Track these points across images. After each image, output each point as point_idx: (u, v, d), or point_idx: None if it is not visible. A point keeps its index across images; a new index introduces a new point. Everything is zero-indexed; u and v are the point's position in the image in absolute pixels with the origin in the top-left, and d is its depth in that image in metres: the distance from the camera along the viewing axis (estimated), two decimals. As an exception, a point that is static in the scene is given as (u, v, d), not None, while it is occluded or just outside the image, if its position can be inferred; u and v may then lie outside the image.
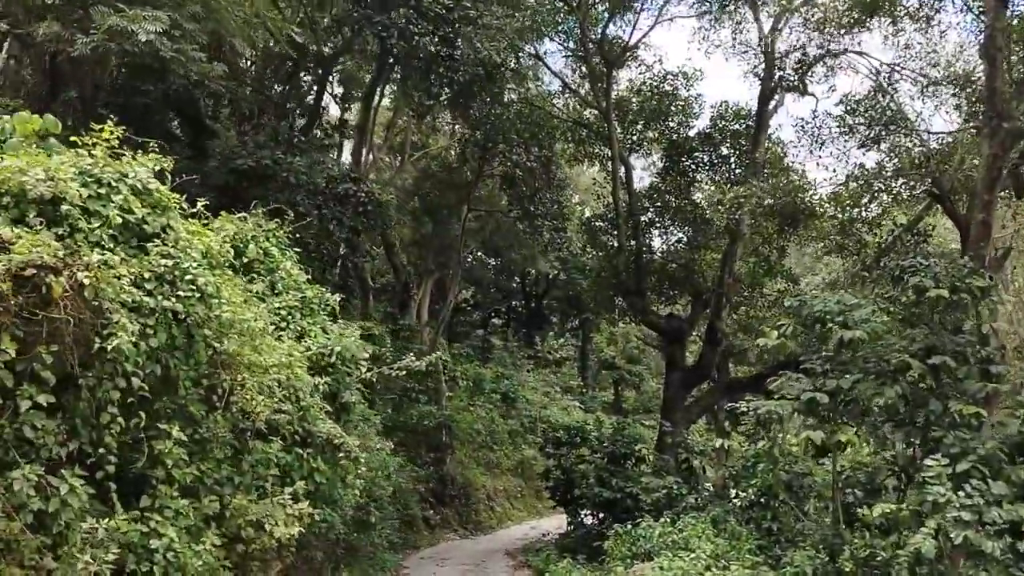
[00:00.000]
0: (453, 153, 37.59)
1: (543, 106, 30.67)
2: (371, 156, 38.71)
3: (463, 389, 37.57)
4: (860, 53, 27.01)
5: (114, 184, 8.45)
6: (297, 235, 18.68)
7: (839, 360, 13.58)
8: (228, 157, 18.33)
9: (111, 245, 8.40)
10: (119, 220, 8.38)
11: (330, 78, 27.93)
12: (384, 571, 21.22)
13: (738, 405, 14.74)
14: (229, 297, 9.03)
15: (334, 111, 37.44)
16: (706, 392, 26.67)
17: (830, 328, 13.19)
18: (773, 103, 26.90)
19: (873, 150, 23.65)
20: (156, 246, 8.55)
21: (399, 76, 31.16)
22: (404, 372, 13.78)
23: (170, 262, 8.45)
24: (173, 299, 8.33)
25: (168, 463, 8.25)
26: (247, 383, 9.19)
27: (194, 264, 8.58)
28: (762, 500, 19.31)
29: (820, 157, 35.34)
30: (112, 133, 8.81)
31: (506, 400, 40.33)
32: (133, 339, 7.84)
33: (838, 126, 24.17)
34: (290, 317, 11.46)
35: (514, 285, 60.61)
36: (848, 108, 23.64)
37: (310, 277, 14.25)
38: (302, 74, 26.10)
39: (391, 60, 29.64)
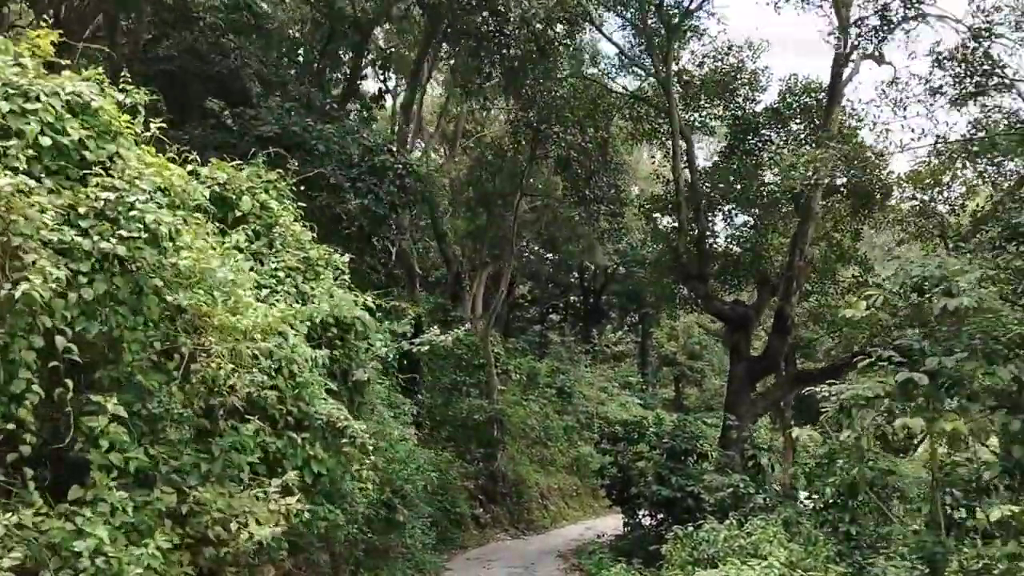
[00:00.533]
0: (506, 140, 35.71)
1: (598, 80, 28.51)
2: (419, 140, 37.12)
3: (516, 383, 35.64)
4: (942, 17, 24.34)
5: (44, 98, 6.72)
6: (327, 208, 17.03)
7: (940, 335, 11.30)
8: (250, 123, 16.70)
9: (40, 173, 6.70)
10: (47, 142, 6.65)
11: (368, 51, 26.19)
12: (422, 573, 19.43)
13: (817, 389, 12.48)
14: (192, 242, 7.24)
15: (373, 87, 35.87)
16: (773, 385, 24.29)
17: (930, 297, 10.91)
18: (848, 71, 24.38)
19: (964, 111, 21.00)
20: (97, 175, 6.82)
21: (448, 54, 29.51)
22: (428, 348, 11.91)
23: (112, 195, 6.70)
24: (114, 240, 6.57)
25: (103, 445, 6.48)
26: (215, 349, 7.40)
27: (143, 199, 6.80)
28: (839, 500, 17.03)
29: (902, 126, 32.22)
30: (48, 38, 7.09)
31: (562, 395, 38.29)
32: (58, 288, 6.12)
33: (924, 85, 21.56)
34: (288, 279, 9.66)
35: (572, 280, 58.53)
36: (936, 61, 21.00)
37: (351, 260, 12.56)
38: (340, 46, 24.35)
39: (439, 37, 28.02)
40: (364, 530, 12.35)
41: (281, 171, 11.12)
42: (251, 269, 9.14)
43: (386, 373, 13.68)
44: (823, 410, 12.61)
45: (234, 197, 9.83)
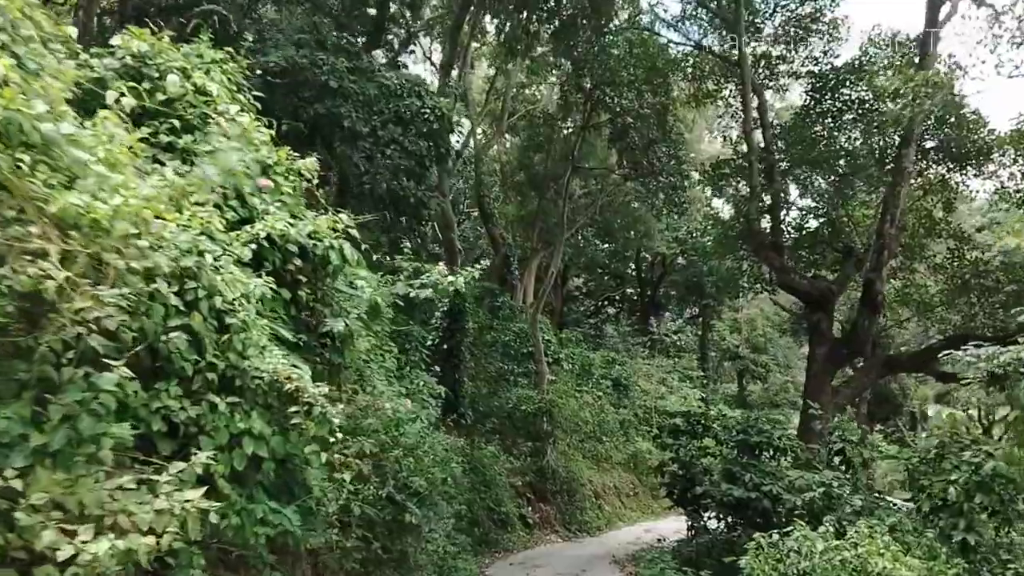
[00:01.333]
0: (557, 111, 32.65)
1: (657, 34, 25.19)
2: (465, 118, 34.26)
3: (568, 373, 32.50)
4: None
5: None
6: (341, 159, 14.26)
7: None
8: (250, 53, 13.94)
9: None
10: None
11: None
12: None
13: (961, 355, 9.19)
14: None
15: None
16: (859, 371, 20.75)
17: None
18: (944, 12, 20.76)
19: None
20: None
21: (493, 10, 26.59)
22: (428, 295, 8.94)
23: None
24: None
25: None
26: (53, 250, 4.52)
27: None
28: (951, 503, 13.66)
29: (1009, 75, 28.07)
30: None
31: (617, 387, 35.00)
32: None
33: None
34: (228, 190, 6.77)
35: (628, 271, 55.14)
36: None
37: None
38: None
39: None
40: (355, 535, 9.46)
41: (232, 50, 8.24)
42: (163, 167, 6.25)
43: (399, 341, 10.74)
44: (964, 379, 9.28)
45: (156, 75, 7.04)
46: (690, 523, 23.06)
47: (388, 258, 17.91)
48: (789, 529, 11.98)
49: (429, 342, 25.65)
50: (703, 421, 23.18)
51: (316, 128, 14.07)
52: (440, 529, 14.03)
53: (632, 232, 43.88)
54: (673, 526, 29.63)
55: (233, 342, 6.03)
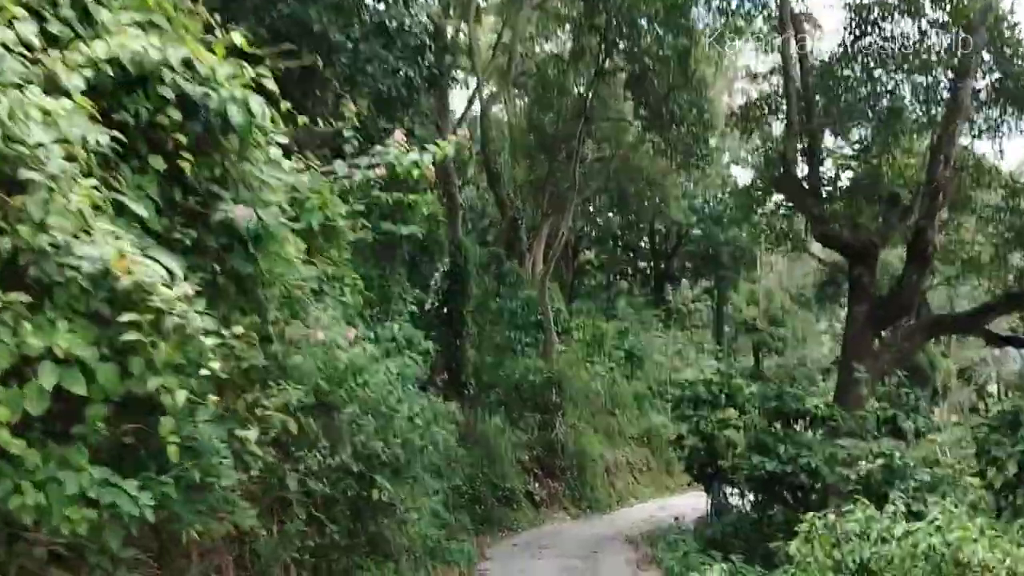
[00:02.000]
0: (568, 59, 30.01)
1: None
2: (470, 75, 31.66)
3: (579, 343, 30.07)
4: None
5: None
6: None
7: None
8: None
9: None
10: None
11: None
12: (447, 565, 14.19)
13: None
14: None
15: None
16: (904, 332, 18.22)
17: None
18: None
19: None
20: None
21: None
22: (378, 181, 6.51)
23: None
24: None
25: None
26: None
27: None
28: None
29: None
30: None
31: (631, 359, 32.55)
32: None
33: None
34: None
35: (641, 244, 52.56)
36: None
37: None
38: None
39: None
40: (299, 516, 7.09)
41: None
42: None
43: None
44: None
45: None
46: (712, 500, 20.73)
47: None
48: (849, 508, 9.55)
49: (427, 306, 23.33)
50: (726, 390, 20.75)
51: (279, 37, 11.57)
52: (426, 508, 11.62)
53: (647, 200, 41.17)
54: (690, 503, 27.24)
55: (28, 208, 3.61)
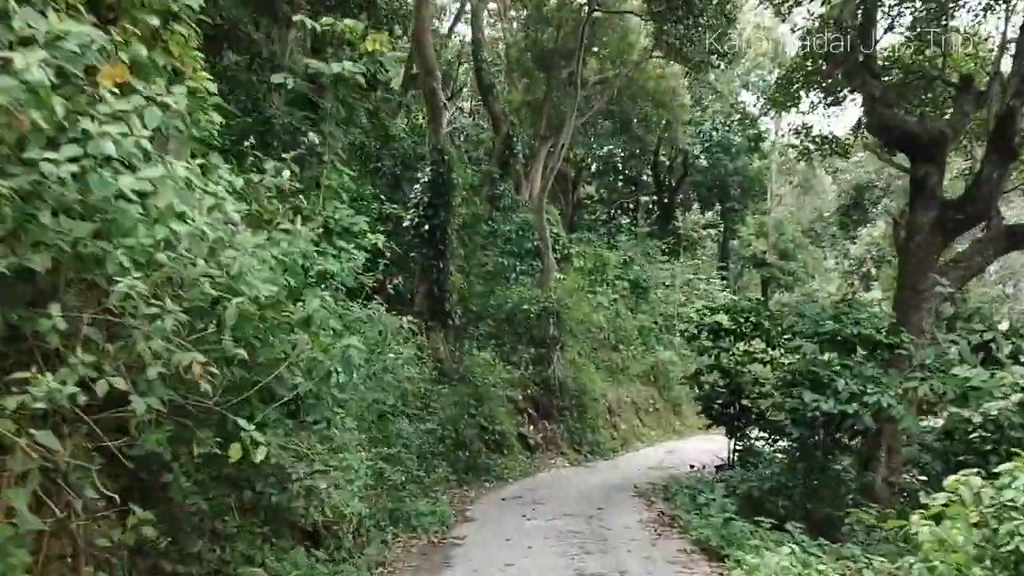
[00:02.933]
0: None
1: None
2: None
3: (579, 272, 26.44)
4: None
5: None
6: None
7: None
8: None
9: None
10: None
11: None
12: (412, 531, 10.72)
13: None
14: None
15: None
16: (975, 245, 14.56)
17: None
18: None
19: None
20: None
21: None
22: None
23: None
24: None
25: None
26: None
27: None
28: None
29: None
30: None
31: (636, 290, 28.97)
32: None
33: None
34: None
35: (644, 176, 48.50)
36: None
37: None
38: None
39: None
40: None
41: None
42: None
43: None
44: None
45: None
46: (738, 447, 17.32)
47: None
48: (1008, 467, 5.97)
49: (406, 222, 19.60)
50: (754, 318, 17.18)
51: None
52: (357, 467, 8.01)
53: (652, 125, 37.09)
54: (703, 448, 23.94)
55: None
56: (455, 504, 14.25)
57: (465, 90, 43.17)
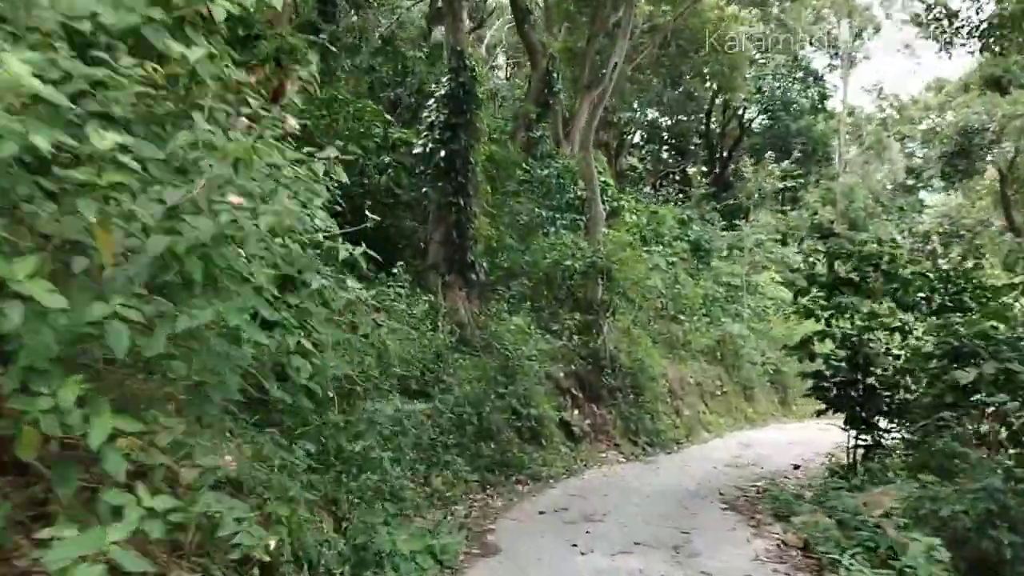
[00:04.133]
0: None
1: None
2: None
3: (631, 228, 21.41)
4: None
5: None
6: None
7: None
8: None
9: None
10: None
11: None
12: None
13: None
14: None
15: None
16: None
17: None
18: None
19: None
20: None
21: None
22: None
23: None
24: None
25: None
26: None
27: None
28: None
29: None
30: None
31: (696, 253, 23.90)
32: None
33: None
34: None
35: (692, 147, 43.16)
36: None
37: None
38: None
39: None
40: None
41: None
42: None
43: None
44: None
45: None
46: (863, 442, 12.27)
47: None
48: None
49: (418, 149, 14.79)
50: (884, 264, 12.17)
51: None
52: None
53: (707, 75, 31.80)
54: (780, 439, 19.03)
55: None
56: (472, 520, 9.45)
57: (499, 48, 38.37)
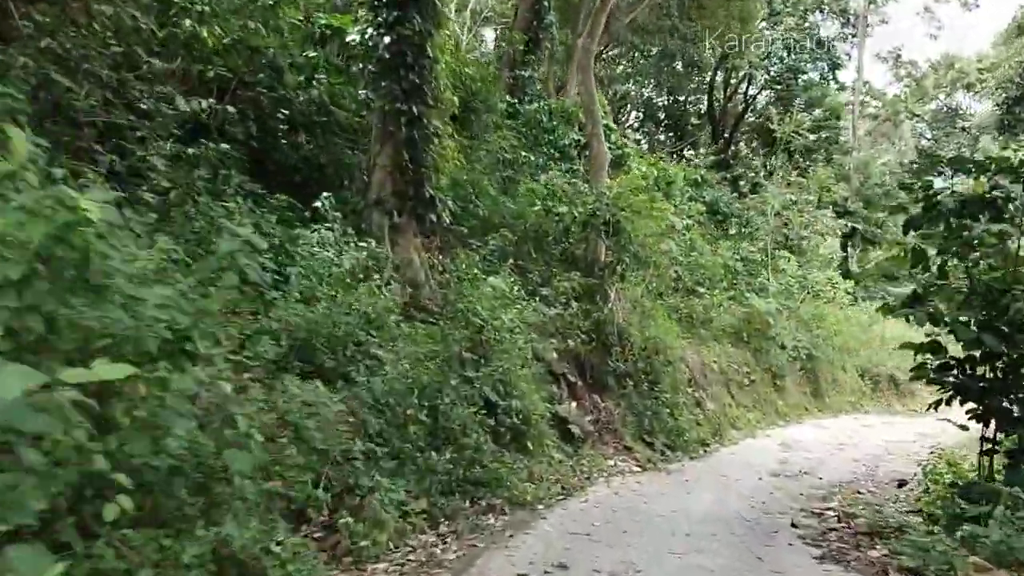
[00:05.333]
0: None
1: None
2: None
3: (637, 177, 16.85)
4: None
5: None
6: None
7: None
8: None
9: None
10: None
11: None
12: None
13: None
14: None
15: None
16: None
17: None
18: None
19: None
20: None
21: None
22: None
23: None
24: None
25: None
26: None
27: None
28: None
29: None
30: None
31: (715, 217, 19.51)
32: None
33: None
34: None
35: (690, 127, 38.74)
36: None
37: None
38: None
39: None
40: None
41: None
42: None
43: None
44: None
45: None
46: (1012, 450, 7.82)
47: None
48: None
49: (352, 36, 10.31)
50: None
51: None
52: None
53: (711, 27, 27.35)
54: (824, 438, 14.78)
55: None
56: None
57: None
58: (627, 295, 13.10)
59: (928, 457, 11.10)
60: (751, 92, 35.45)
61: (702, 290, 16.21)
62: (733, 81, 34.39)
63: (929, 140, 41.74)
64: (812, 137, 27.07)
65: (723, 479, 10.72)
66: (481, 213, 12.21)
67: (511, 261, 11.66)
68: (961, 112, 38.71)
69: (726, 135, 35.67)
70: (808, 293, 19.60)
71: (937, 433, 17.08)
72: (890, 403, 22.60)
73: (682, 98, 38.47)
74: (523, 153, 14.29)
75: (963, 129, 35.18)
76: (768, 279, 18.46)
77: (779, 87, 31.60)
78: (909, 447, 14.81)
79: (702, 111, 36.98)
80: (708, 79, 33.28)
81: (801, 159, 26.21)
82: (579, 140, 15.35)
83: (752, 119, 35.96)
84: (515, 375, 9.72)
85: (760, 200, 21.18)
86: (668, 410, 12.69)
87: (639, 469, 11.06)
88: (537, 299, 11.42)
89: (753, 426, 15.25)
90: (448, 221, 10.23)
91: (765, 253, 19.40)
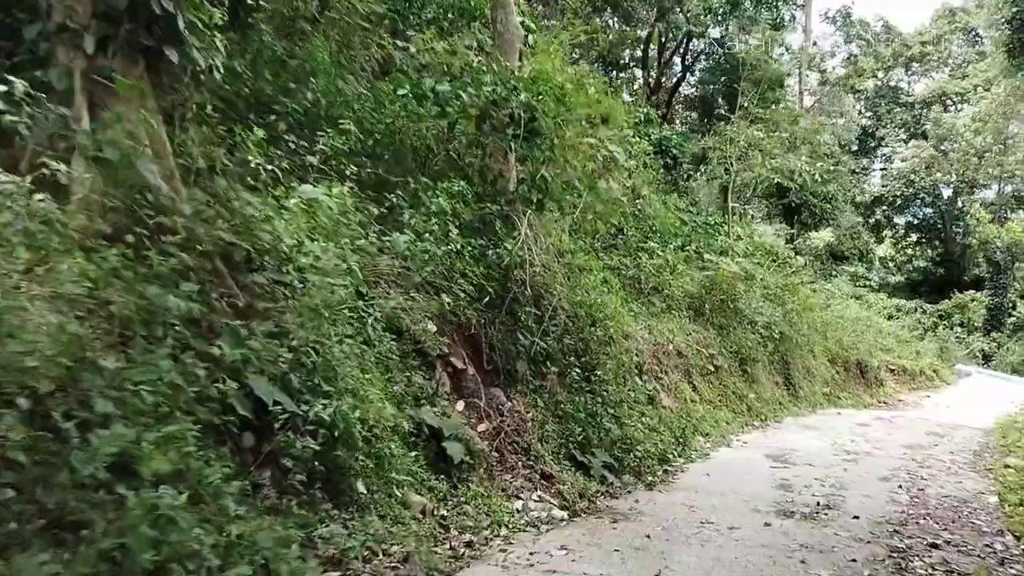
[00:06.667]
0: None
1: None
2: None
3: (560, 58, 11.67)
4: None
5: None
6: None
7: None
8: None
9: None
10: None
11: None
12: None
13: None
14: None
15: None
16: None
17: None
18: None
19: None
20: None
21: None
22: None
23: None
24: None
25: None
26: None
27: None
28: None
29: None
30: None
31: (663, 157, 14.73)
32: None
33: None
34: None
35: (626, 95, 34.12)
36: None
37: None
38: None
39: None
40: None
41: None
42: None
43: None
44: None
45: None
46: None
47: None
48: None
49: None
50: None
51: None
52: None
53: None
54: (823, 447, 9.99)
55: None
56: None
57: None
58: (547, 236, 8.16)
59: (973, 465, 6.55)
60: (688, 59, 31.18)
61: (652, 245, 11.39)
62: (666, 51, 29.94)
63: (868, 116, 38.64)
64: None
65: (708, 529, 5.96)
66: (310, 97, 7.10)
67: (353, 171, 6.54)
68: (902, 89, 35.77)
69: (663, 109, 31.27)
70: (775, 261, 15.12)
71: (945, 431, 12.92)
72: (859, 395, 18.42)
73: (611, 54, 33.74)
74: (389, 12, 9.23)
75: (865, 131, 32.34)
76: (728, 239, 13.84)
77: (717, 60, 27.32)
78: (932, 452, 10.42)
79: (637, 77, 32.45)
80: (643, 35, 28.72)
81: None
82: (484, 13, 10.30)
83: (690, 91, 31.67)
84: (331, 355, 4.73)
85: (720, 141, 16.56)
86: (611, 411, 7.82)
87: (564, 515, 6.15)
88: (391, 226, 6.36)
89: (724, 431, 10.53)
90: (201, 63, 5.06)
91: (723, 209, 14.77)
